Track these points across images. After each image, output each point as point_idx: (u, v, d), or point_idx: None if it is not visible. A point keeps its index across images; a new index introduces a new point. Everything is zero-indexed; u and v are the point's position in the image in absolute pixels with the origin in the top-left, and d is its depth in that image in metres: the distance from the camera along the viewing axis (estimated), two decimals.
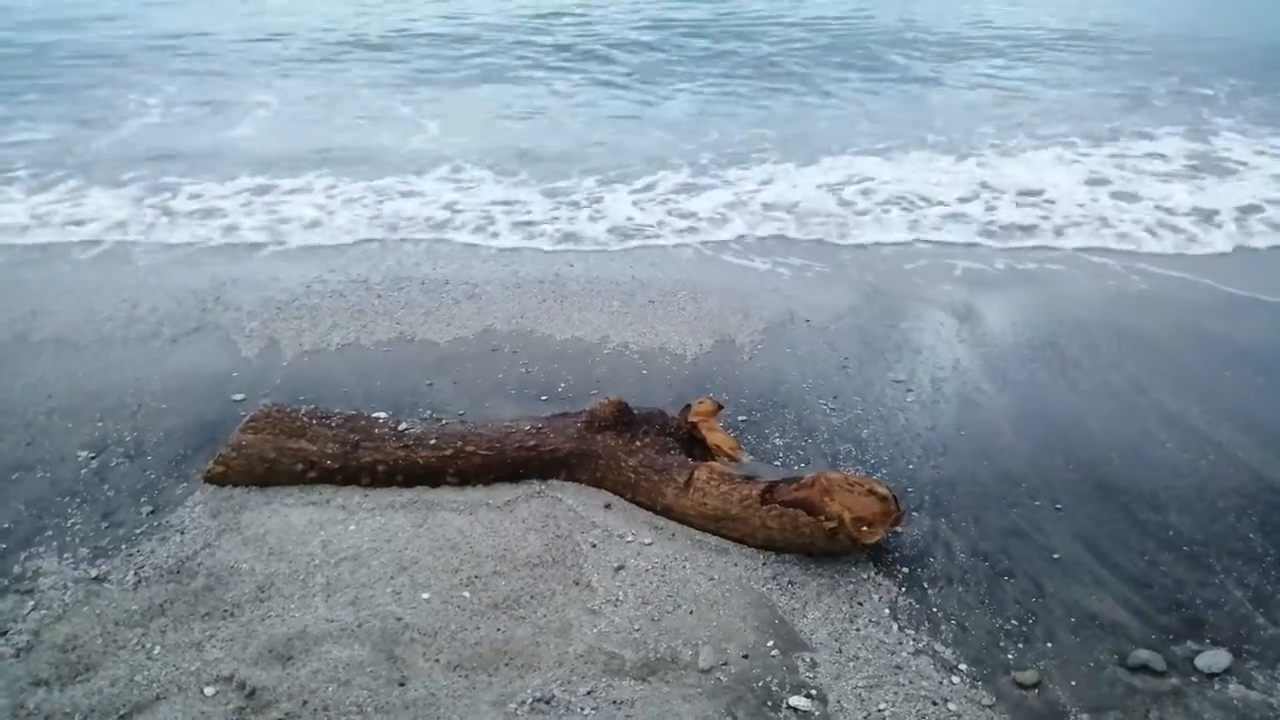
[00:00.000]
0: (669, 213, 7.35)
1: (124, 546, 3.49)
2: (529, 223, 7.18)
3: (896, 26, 16.41)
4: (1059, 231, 7.02)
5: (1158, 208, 7.46)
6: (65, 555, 3.44)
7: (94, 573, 3.34)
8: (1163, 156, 8.80)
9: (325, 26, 15.95)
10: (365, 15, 17.20)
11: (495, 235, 6.94)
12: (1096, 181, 8.11)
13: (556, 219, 7.24)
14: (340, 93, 11.42)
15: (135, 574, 3.33)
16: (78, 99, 10.92)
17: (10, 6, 17.36)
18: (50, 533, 3.57)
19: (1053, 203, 7.59)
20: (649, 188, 7.97)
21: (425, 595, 3.24)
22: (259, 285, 5.96)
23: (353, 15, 17.25)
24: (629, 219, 7.24)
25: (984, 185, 7.99)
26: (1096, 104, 10.87)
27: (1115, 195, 7.77)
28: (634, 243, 6.80)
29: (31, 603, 3.19)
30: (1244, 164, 8.54)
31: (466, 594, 3.25)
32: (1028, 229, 7.08)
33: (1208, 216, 7.27)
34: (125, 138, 9.40)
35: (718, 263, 6.45)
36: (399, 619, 3.12)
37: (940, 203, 7.57)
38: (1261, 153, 8.88)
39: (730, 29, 15.86)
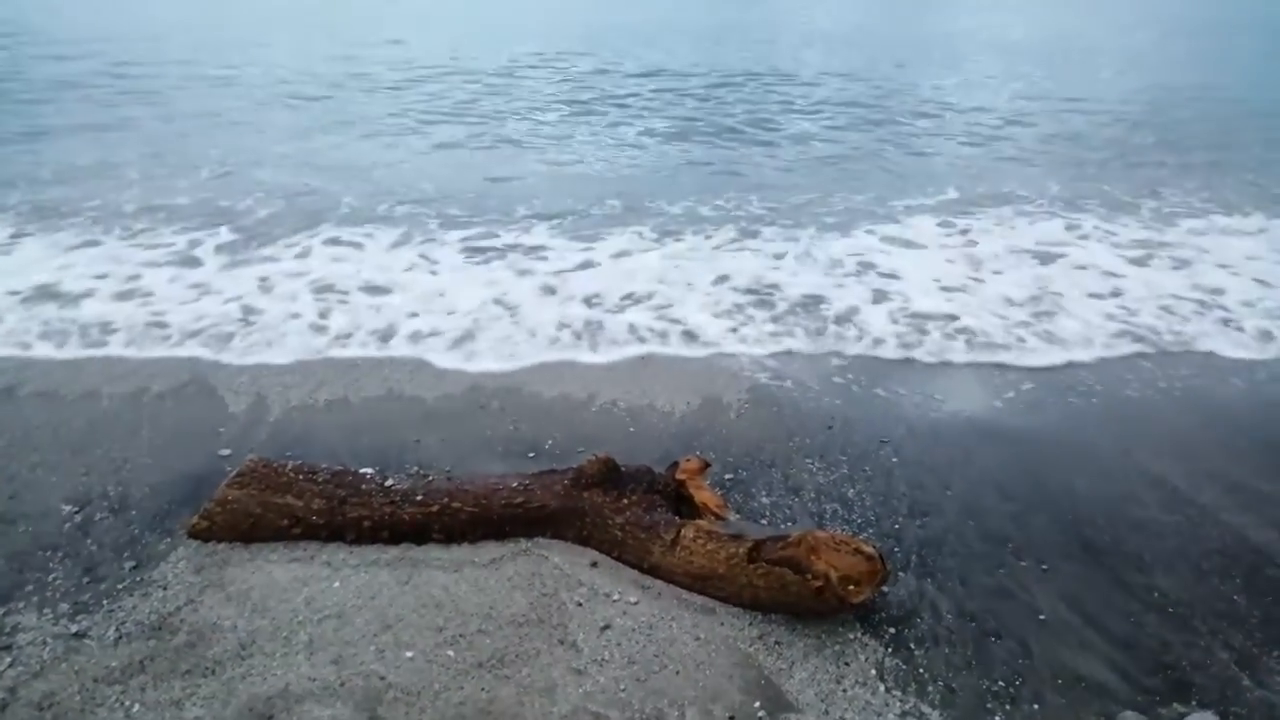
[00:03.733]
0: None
1: (105, 602, 3.45)
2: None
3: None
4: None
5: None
6: (45, 610, 3.41)
7: (74, 628, 3.30)
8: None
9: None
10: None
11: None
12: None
13: None
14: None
15: (116, 630, 3.29)
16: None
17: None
18: (30, 588, 3.54)
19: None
20: None
21: (409, 654, 3.21)
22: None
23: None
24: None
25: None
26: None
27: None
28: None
29: (9, 659, 3.15)
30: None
31: (451, 653, 3.22)
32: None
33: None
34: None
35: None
36: (382, 678, 3.09)
37: None
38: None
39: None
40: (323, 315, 6.36)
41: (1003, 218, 9.08)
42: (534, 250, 7.84)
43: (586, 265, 7.49)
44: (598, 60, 18.60)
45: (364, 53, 17.96)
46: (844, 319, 6.49)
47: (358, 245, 7.89)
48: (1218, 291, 7.11)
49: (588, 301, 6.70)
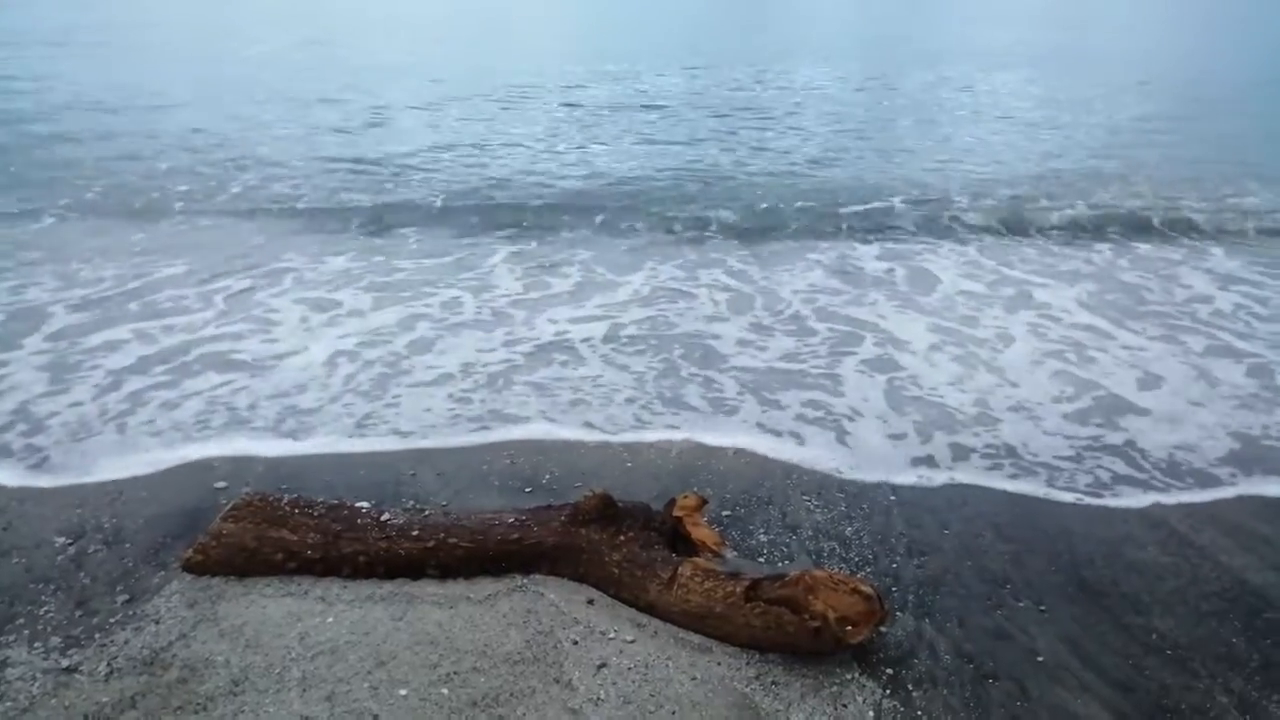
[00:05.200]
0: None
1: (97, 636, 3.43)
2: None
3: None
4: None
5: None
6: (36, 644, 3.38)
7: (65, 663, 3.28)
8: None
9: None
10: None
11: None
12: None
13: None
14: None
15: (108, 665, 3.26)
16: None
17: None
18: (22, 621, 3.51)
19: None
20: None
21: (403, 691, 3.18)
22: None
23: None
24: None
25: None
26: None
27: None
28: None
29: None
30: None
31: (445, 691, 3.19)
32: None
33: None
34: None
35: None
36: (375, 716, 3.06)
37: None
38: None
39: None
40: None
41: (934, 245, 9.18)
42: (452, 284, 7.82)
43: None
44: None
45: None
46: (854, 429, 5.40)
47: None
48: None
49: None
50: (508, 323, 6.90)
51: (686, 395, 5.75)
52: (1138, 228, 9.89)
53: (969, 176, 12.00)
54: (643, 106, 16.95)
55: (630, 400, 5.69)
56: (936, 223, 9.95)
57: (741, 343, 6.63)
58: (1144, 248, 9.22)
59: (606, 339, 6.64)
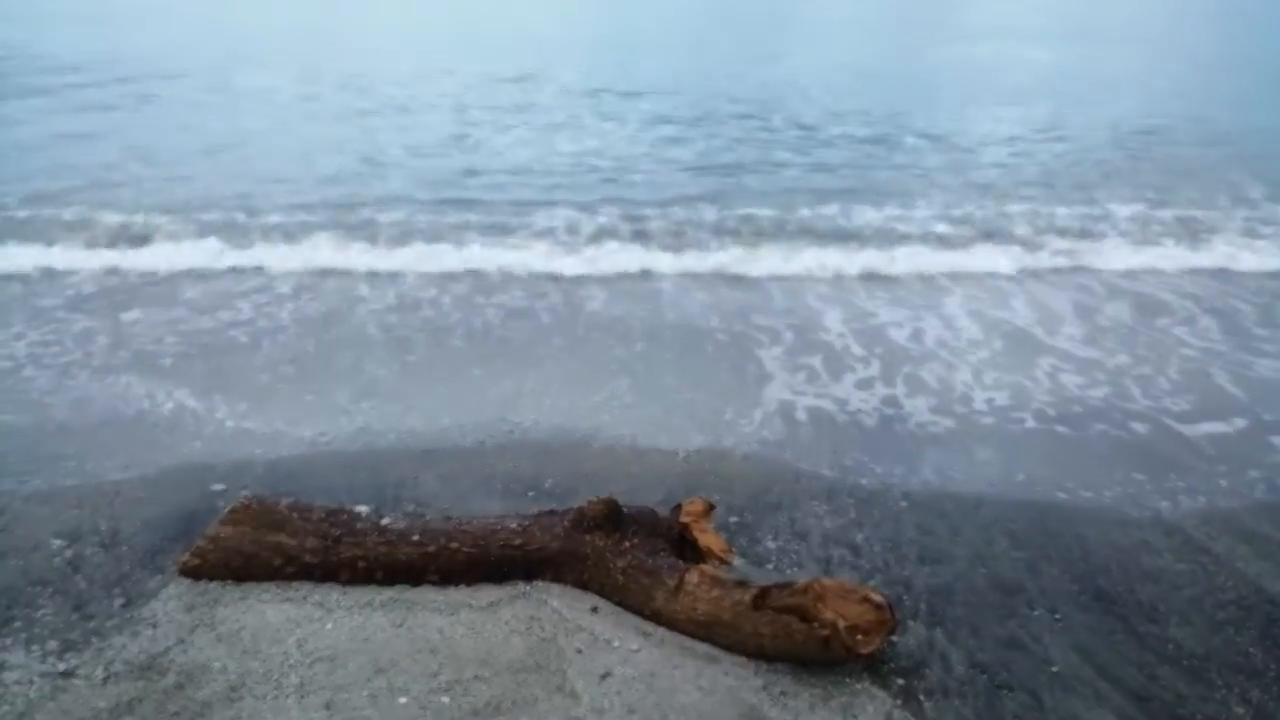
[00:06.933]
0: None
1: (94, 640, 3.38)
2: None
3: None
4: None
5: None
6: (33, 648, 3.33)
7: (62, 667, 3.23)
8: None
9: None
10: None
11: None
12: None
13: None
14: None
15: (105, 669, 3.21)
16: None
17: None
18: (18, 624, 3.46)
19: None
20: None
21: (402, 700, 3.12)
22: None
23: None
24: None
25: None
26: None
27: None
28: None
29: None
30: None
31: (446, 699, 3.13)
32: None
33: None
34: None
35: None
36: None
37: None
38: None
39: None
40: None
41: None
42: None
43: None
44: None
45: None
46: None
47: None
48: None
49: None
50: None
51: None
52: None
53: None
54: None
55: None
56: None
57: None
58: None
59: None
